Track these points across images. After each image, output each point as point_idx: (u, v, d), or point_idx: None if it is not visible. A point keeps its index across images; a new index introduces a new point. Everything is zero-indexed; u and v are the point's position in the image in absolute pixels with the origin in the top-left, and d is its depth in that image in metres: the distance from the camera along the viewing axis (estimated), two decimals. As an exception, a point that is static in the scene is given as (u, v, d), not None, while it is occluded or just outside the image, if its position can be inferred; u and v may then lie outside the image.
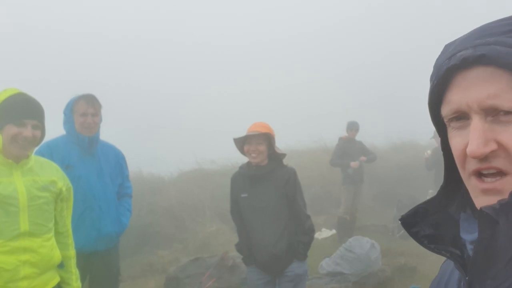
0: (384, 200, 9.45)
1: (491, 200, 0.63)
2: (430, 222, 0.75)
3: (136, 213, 6.53)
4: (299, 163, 8.26)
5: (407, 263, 5.44)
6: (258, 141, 3.18)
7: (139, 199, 6.93)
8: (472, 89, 0.63)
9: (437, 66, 0.69)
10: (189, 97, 22.24)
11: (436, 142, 8.57)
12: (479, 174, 0.64)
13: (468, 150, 0.62)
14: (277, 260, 3.20)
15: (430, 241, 0.74)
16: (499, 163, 0.62)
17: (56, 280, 2.40)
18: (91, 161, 3.28)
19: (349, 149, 7.51)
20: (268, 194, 3.21)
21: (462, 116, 0.65)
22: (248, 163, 3.28)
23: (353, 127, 7.62)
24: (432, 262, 5.33)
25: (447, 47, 0.71)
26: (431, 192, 8.23)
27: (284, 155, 3.32)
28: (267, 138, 3.19)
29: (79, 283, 2.54)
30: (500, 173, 0.63)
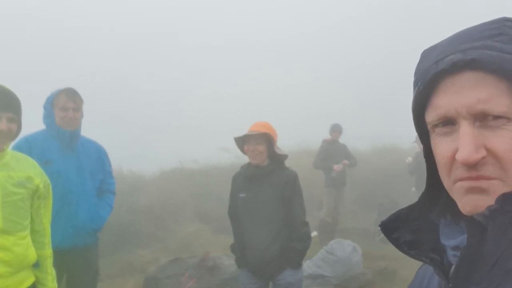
0: (365, 204, 9.50)
1: (476, 199, 0.62)
2: (411, 227, 0.74)
3: (116, 211, 6.41)
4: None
5: (388, 267, 5.46)
6: (257, 141, 3.10)
7: (119, 197, 6.81)
8: (462, 94, 0.62)
9: (421, 72, 0.68)
10: (179, 95, 22.09)
11: (418, 147, 8.66)
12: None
13: (460, 156, 0.61)
14: (267, 264, 3.09)
15: (410, 247, 0.73)
16: (488, 171, 0.61)
17: (31, 280, 2.31)
18: (71, 156, 3.20)
19: (332, 151, 7.52)
20: (265, 196, 3.11)
21: (448, 122, 0.64)
22: (249, 163, 3.21)
23: (336, 129, 7.64)
24: (413, 266, 5.34)
25: (427, 52, 0.70)
26: (413, 190, 8.31)
27: (285, 156, 3.21)
28: (267, 138, 3.11)
29: (55, 284, 2.45)
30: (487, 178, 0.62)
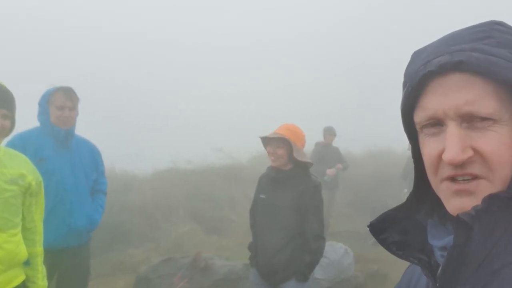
0: (357, 207, 9.52)
1: (463, 202, 0.64)
2: (399, 228, 0.75)
3: (108, 210, 6.37)
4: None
5: (379, 270, 5.47)
6: (277, 145, 3.03)
7: (112, 196, 6.78)
8: (449, 96, 0.63)
9: (410, 73, 0.69)
10: (179, 95, 22.01)
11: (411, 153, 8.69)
12: (452, 179, 0.65)
13: (446, 156, 0.62)
14: (274, 270, 3.03)
15: (398, 248, 0.75)
16: (475, 169, 0.63)
17: (21, 278, 2.29)
18: (65, 154, 3.18)
19: (325, 154, 7.52)
20: (282, 201, 3.03)
21: (436, 123, 0.66)
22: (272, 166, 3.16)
23: (330, 132, 7.64)
24: (404, 269, 5.38)
25: (417, 53, 0.71)
26: (405, 191, 8.34)
27: (309, 163, 3.09)
28: (287, 142, 3.01)
29: (45, 282, 2.43)
30: (474, 178, 0.63)
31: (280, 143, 3.03)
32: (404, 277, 0.88)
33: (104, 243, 6.55)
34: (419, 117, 0.68)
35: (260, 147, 3.34)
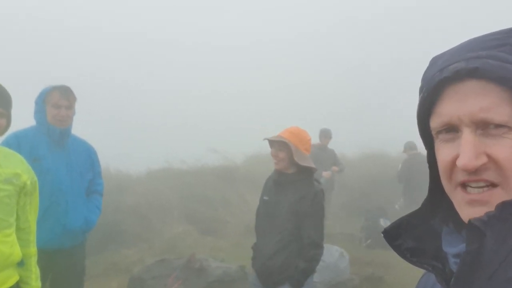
0: (351, 209, 9.52)
1: (477, 212, 0.63)
2: (414, 234, 0.75)
3: (102, 210, 6.31)
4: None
5: (375, 273, 5.46)
6: (278, 147, 3.01)
7: (105, 196, 6.73)
8: (464, 102, 0.63)
9: (427, 78, 0.70)
10: (179, 95, 21.96)
11: (406, 155, 8.71)
12: (464, 186, 0.65)
13: (460, 162, 0.63)
14: (268, 273, 3.03)
15: (413, 254, 0.74)
16: (489, 175, 0.63)
17: (15, 278, 2.25)
18: (60, 154, 3.14)
19: (321, 156, 7.51)
20: (282, 204, 3.01)
21: (451, 129, 0.66)
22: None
23: (325, 134, 7.64)
24: (399, 272, 5.38)
25: (435, 59, 0.72)
26: (401, 200, 8.35)
27: (312, 168, 3.06)
28: (288, 146, 2.99)
29: (38, 283, 2.39)
30: (488, 185, 0.64)
31: (281, 146, 3.01)
32: (419, 285, 0.87)
33: (98, 243, 6.50)
34: (435, 122, 0.68)
35: (255, 148, 3.33)
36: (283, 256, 2.97)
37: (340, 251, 5.39)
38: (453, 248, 0.70)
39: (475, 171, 0.63)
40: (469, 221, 0.62)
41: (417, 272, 0.82)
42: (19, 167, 2.28)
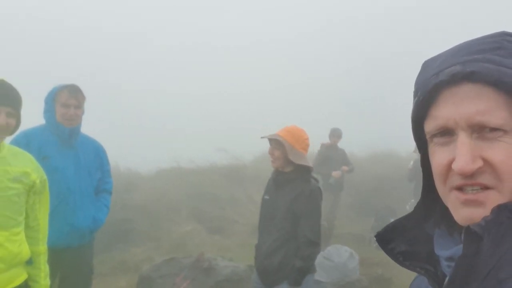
0: (361, 209, 9.47)
1: (472, 212, 0.64)
2: (406, 238, 0.76)
3: (111, 208, 6.32)
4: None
5: (384, 274, 5.43)
6: (274, 146, 3.03)
7: (114, 194, 6.76)
8: (461, 106, 0.64)
9: (421, 82, 0.70)
10: (183, 97, 22.05)
11: (417, 155, 8.64)
12: (460, 188, 0.65)
13: (456, 166, 0.63)
14: (266, 272, 3.05)
15: (405, 258, 0.75)
16: (484, 179, 0.63)
17: (23, 277, 2.26)
18: (69, 153, 3.14)
19: (331, 156, 7.47)
20: (279, 203, 3.02)
21: (446, 132, 0.66)
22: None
23: (335, 133, 7.59)
24: (408, 274, 5.31)
25: (428, 63, 0.72)
26: (412, 201, 8.28)
27: (309, 167, 3.04)
28: (282, 144, 2.99)
29: (47, 281, 2.40)
30: (483, 188, 0.64)
31: (276, 144, 3.03)
32: None
33: (107, 241, 6.52)
34: (430, 126, 0.68)
35: (262, 148, 3.32)
36: (280, 255, 2.98)
37: (349, 252, 5.36)
38: (445, 251, 0.70)
39: (471, 175, 0.63)
40: (468, 226, 0.62)
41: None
42: (28, 166, 2.28)
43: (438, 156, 0.67)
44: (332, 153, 7.50)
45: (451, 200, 0.67)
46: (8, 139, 2.31)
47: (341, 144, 7.80)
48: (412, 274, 0.87)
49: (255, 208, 8.41)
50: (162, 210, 7.94)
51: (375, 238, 0.78)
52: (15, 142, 2.79)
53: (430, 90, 0.66)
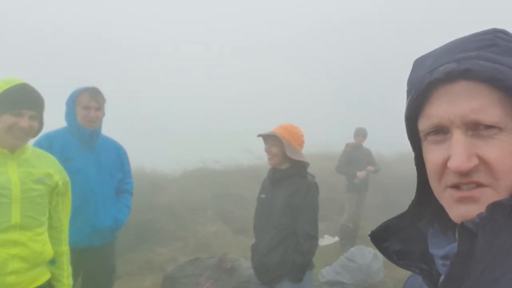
0: (388, 210, 9.30)
1: (467, 209, 0.63)
2: (401, 237, 0.76)
3: (137, 209, 6.45)
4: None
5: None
6: (271, 142, 3.06)
7: (141, 195, 6.87)
8: (455, 103, 0.63)
9: (414, 80, 0.69)
10: (197, 98, 22.26)
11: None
12: (456, 186, 0.65)
13: (452, 164, 0.62)
14: (265, 271, 3.04)
15: (399, 257, 0.75)
16: (480, 177, 0.63)
17: (46, 276, 2.32)
18: (90, 154, 3.20)
19: (356, 156, 7.39)
20: (277, 200, 3.05)
21: (440, 130, 0.66)
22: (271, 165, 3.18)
23: (360, 133, 7.50)
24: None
25: (419, 61, 0.72)
26: None
27: (305, 163, 3.08)
28: (280, 141, 3.03)
29: (70, 280, 2.46)
30: (479, 186, 0.63)
31: (273, 141, 3.06)
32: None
33: (133, 241, 6.63)
34: (424, 124, 0.68)
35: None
36: (280, 252, 2.99)
37: (373, 253, 5.29)
38: (439, 250, 0.70)
39: (466, 173, 0.63)
40: (462, 223, 0.62)
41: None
42: (51, 168, 2.34)
43: (433, 155, 0.67)
44: (357, 153, 7.42)
45: (446, 198, 0.66)
46: (31, 141, 2.37)
47: (366, 144, 7.71)
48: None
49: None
50: (188, 210, 8.02)
51: (369, 237, 0.77)
52: (38, 144, 2.85)
53: (424, 88, 0.66)
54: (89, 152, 3.20)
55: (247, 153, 10.43)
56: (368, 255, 5.21)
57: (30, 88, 2.21)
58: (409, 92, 0.70)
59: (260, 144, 3.27)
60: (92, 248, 3.16)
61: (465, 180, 0.63)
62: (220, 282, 4.94)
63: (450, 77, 0.63)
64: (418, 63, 0.72)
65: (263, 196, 3.19)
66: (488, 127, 0.62)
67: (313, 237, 3.01)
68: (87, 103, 3.13)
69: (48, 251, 2.30)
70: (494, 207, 0.61)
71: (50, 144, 3.02)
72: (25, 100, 2.15)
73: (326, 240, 7.79)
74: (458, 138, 0.63)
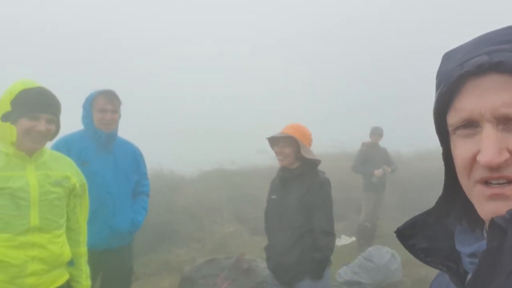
0: (406, 210, 9.20)
1: (498, 206, 0.62)
2: (427, 234, 0.75)
3: (155, 211, 6.50)
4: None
5: (428, 276, 5.26)
6: (283, 143, 3.07)
7: (158, 197, 6.93)
8: (486, 97, 0.62)
9: (444, 74, 0.68)
10: (212, 99, 22.36)
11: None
12: (485, 182, 0.63)
13: (482, 159, 0.61)
14: (284, 270, 3.05)
15: (426, 254, 0.74)
16: (510, 172, 0.61)
17: (65, 277, 2.36)
18: (107, 157, 3.24)
19: (372, 155, 7.33)
20: (290, 200, 3.06)
21: (470, 124, 0.64)
22: (281, 165, 3.19)
23: (376, 132, 7.44)
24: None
25: (449, 55, 0.70)
26: None
27: (317, 160, 3.11)
28: (294, 141, 3.05)
29: (88, 282, 2.49)
30: (509, 182, 0.62)
31: (286, 142, 3.07)
32: None
33: (151, 242, 6.69)
34: (454, 118, 0.66)
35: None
36: (297, 251, 2.99)
37: (391, 252, 5.25)
38: (467, 247, 0.68)
39: (497, 168, 0.61)
40: (492, 219, 0.60)
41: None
42: (68, 170, 2.37)
43: (462, 149, 0.65)
44: (373, 152, 7.36)
45: (476, 194, 0.65)
46: (48, 144, 2.40)
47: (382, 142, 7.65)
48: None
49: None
50: (205, 211, 8.05)
51: (395, 234, 0.76)
52: (56, 148, 2.88)
53: (454, 81, 0.65)
54: (106, 155, 3.24)
55: (262, 154, 10.43)
56: (386, 254, 5.16)
57: (46, 91, 2.23)
58: (438, 85, 0.69)
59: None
60: (110, 250, 3.19)
61: (495, 175, 0.62)
62: (237, 282, 4.96)
63: (481, 70, 0.62)
64: (448, 57, 0.71)
65: (274, 196, 3.19)
66: None
67: (330, 233, 3.03)
68: (103, 106, 3.16)
69: (67, 252, 2.33)
70: None
71: (68, 147, 3.05)
72: (42, 103, 2.18)
73: (343, 240, 7.75)
74: (488, 132, 0.61)
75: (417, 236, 0.75)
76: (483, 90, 0.62)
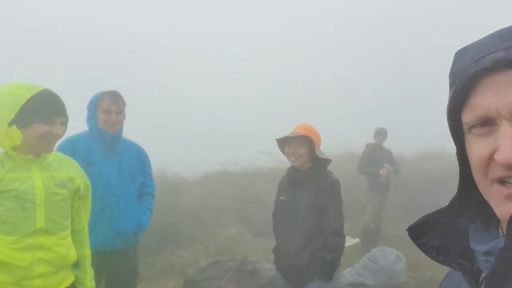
0: (410, 210, 9.19)
1: None
2: (439, 233, 0.74)
3: (158, 212, 6.48)
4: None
5: (433, 277, 5.25)
6: (297, 144, 3.05)
7: (162, 198, 6.92)
8: (503, 94, 0.60)
9: (458, 72, 0.66)
10: (216, 100, 22.36)
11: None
12: (502, 181, 0.62)
13: (500, 157, 0.59)
14: (295, 272, 3.03)
15: (439, 253, 0.73)
16: None
17: (71, 279, 2.35)
18: (112, 158, 3.24)
19: (376, 156, 7.33)
20: (300, 200, 3.04)
21: (486, 122, 0.63)
22: (292, 166, 3.17)
23: (380, 133, 7.45)
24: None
25: (462, 52, 0.69)
26: None
27: (328, 160, 3.12)
28: (308, 141, 3.04)
29: (93, 283, 2.49)
30: None
31: (300, 142, 3.04)
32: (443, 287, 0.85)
33: (154, 244, 6.68)
34: (469, 116, 0.64)
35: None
36: (308, 251, 2.98)
37: (396, 254, 5.23)
38: (482, 245, 0.67)
39: None
40: (511, 217, 0.59)
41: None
42: (73, 172, 2.37)
43: (478, 148, 0.64)
44: (377, 153, 7.35)
45: (493, 194, 0.64)
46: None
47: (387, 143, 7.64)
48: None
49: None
50: (209, 213, 8.03)
51: (406, 232, 0.76)
52: (61, 149, 2.88)
53: (469, 78, 0.63)
54: (111, 156, 3.24)
55: (266, 155, 10.42)
56: (391, 256, 5.15)
57: (54, 94, 2.21)
58: (452, 84, 0.68)
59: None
60: (115, 251, 3.19)
61: None
62: (241, 284, 4.94)
63: (498, 66, 0.60)
64: (461, 54, 0.69)
65: (283, 198, 3.17)
66: None
67: (340, 234, 3.02)
68: (108, 107, 3.16)
69: (72, 254, 2.33)
70: None
71: (73, 148, 3.06)
72: (55, 107, 2.18)
73: (347, 241, 7.70)
74: (506, 130, 0.60)
75: (429, 234, 0.74)
76: (500, 87, 0.60)
